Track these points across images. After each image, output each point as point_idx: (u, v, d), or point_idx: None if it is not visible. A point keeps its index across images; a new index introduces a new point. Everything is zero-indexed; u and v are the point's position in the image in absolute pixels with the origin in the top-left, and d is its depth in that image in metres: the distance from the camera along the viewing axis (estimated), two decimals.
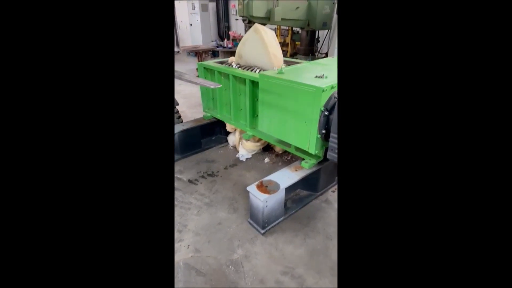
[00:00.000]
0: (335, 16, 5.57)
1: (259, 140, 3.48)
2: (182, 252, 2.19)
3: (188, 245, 2.25)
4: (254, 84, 2.87)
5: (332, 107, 2.15)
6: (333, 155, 2.20)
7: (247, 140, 3.45)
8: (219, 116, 3.61)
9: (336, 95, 2.17)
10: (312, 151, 2.36)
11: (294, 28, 6.53)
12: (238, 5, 4.91)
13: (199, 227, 2.45)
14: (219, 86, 2.51)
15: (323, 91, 2.09)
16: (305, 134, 2.35)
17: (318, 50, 6.50)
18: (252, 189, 2.30)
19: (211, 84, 2.35)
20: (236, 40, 8.10)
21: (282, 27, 6.92)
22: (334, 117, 2.12)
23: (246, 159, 3.53)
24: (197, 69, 4.24)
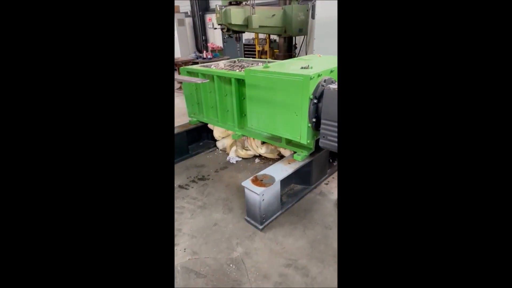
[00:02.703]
0: (310, 21, 5.78)
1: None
2: (178, 256, 2.07)
3: (185, 249, 2.14)
4: (240, 82, 2.87)
5: (321, 95, 2.18)
6: (325, 142, 2.21)
7: (242, 149, 3.42)
8: (205, 120, 3.56)
9: (323, 83, 2.21)
10: (304, 141, 2.37)
11: (271, 37, 6.69)
12: (216, 14, 4.98)
13: (194, 229, 2.35)
14: (206, 81, 2.49)
15: (310, 78, 2.12)
16: (296, 125, 2.36)
17: (297, 55, 6.68)
18: (247, 184, 2.25)
19: (197, 80, 2.32)
20: (215, 51, 8.17)
21: (260, 36, 7.08)
22: (324, 104, 2.14)
23: (237, 161, 3.48)
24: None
